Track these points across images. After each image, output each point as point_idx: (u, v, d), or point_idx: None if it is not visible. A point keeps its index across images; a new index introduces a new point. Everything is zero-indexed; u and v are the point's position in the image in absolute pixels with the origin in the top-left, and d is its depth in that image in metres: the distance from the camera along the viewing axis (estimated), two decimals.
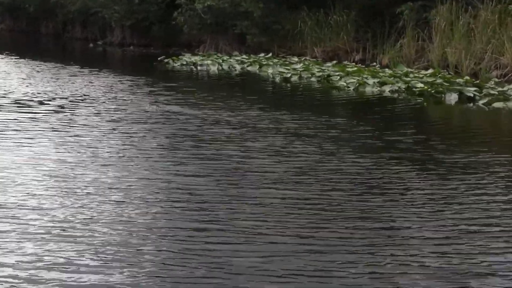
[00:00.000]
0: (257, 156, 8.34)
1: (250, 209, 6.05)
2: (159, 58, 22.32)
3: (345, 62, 21.43)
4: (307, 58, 22.79)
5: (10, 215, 5.67)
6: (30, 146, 8.54)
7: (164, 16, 29.61)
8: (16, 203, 6.00)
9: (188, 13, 25.69)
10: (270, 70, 18.88)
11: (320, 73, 17.99)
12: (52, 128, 9.95)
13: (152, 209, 5.97)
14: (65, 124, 10.37)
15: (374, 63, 20.90)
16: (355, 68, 18.43)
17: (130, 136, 9.48)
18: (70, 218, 5.62)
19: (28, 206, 5.93)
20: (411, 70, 18.07)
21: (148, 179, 7.04)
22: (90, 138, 9.20)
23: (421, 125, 11.97)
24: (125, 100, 13.28)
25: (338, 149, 8.83)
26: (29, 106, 12.24)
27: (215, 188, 6.76)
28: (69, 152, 8.23)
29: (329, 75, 17.80)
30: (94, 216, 5.69)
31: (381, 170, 7.69)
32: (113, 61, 25.23)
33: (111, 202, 6.15)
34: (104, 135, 9.51)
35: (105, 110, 11.88)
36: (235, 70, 20.47)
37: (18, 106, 12.23)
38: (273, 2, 24.62)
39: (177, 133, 9.79)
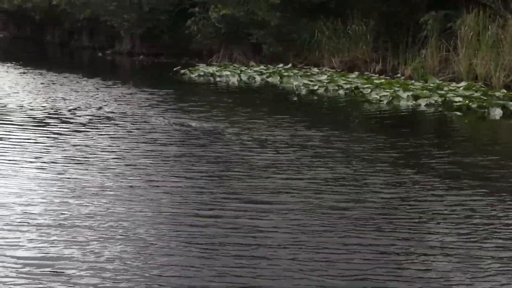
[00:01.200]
0: (331, 188, 7.47)
1: None
2: (175, 69, 21.43)
3: (367, 73, 20.66)
4: (327, 68, 21.97)
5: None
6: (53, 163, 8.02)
7: (174, 24, 28.78)
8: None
9: (202, 22, 24.83)
10: (295, 82, 17.99)
11: (348, 86, 17.14)
12: (75, 148, 9.10)
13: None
14: (89, 144, 9.48)
15: (399, 75, 20.05)
16: (383, 80, 17.60)
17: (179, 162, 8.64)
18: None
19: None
20: (444, 83, 17.18)
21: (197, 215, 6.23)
22: (121, 163, 8.38)
23: (483, 144, 11.06)
24: (153, 116, 12.38)
25: (416, 174, 8.00)
26: (50, 123, 11.34)
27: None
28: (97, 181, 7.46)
29: (356, 87, 16.97)
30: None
31: (475, 203, 6.84)
32: (127, 72, 24.32)
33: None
34: (145, 158, 8.67)
35: (137, 129, 11.00)
36: (255, 82, 19.60)
37: (38, 123, 11.36)
38: (289, 11, 23.78)
39: (222, 154, 8.94)
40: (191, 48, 29.45)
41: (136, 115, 12.28)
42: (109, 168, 7.99)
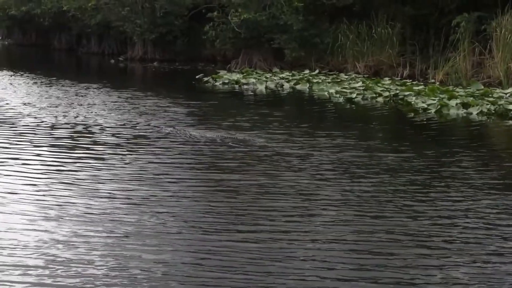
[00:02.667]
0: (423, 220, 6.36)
1: None
2: (197, 77, 20.29)
3: (395, 78, 19.57)
4: (355, 74, 20.84)
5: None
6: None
7: (188, 29, 27.67)
8: None
9: (220, 27, 23.69)
10: (331, 90, 16.83)
11: (387, 93, 16.01)
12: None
13: None
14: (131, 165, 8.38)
15: (433, 80, 18.93)
16: (422, 87, 16.49)
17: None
18: None
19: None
20: (487, 88, 16.06)
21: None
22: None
23: None
24: (191, 131, 11.23)
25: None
26: (87, 143, 10.21)
27: None
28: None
29: (396, 95, 15.86)
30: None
31: None
32: (146, 80, 23.07)
33: None
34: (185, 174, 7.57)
35: (174, 144, 9.87)
36: (283, 89, 18.46)
37: (68, 140, 10.22)
38: (312, 14, 22.64)
39: (268, 174, 7.83)
40: (205, 54, 28.42)
41: (176, 134, 11.09)
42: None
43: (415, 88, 16.29)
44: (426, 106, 14.10)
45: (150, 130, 11.20)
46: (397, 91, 16.10)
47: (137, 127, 11.48)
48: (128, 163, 8.67)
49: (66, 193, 7.09)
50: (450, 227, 6.11)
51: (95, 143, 10.05)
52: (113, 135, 10.73)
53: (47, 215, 6.29)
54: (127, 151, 9.46)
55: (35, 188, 7.31)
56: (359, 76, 20.24)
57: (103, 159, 8.86)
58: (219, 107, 14.92)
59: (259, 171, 8.24)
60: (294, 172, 8.19)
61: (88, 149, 9.55)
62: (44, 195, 7.00)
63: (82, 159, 8.82)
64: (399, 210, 6.64)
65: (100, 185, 7.42)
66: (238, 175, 8.06)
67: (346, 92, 16.44)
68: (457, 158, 9.19)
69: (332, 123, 13.07)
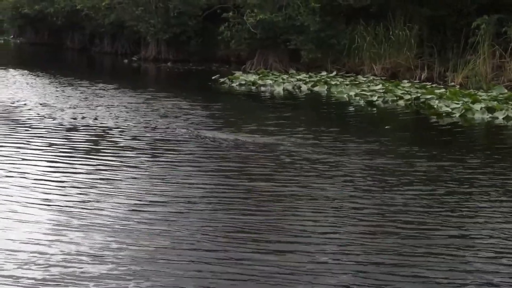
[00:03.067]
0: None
1: None
2: (213, 77, 19.98)
3: (413, 81, 19.23)
4: (373, 76, 20.52)
5: None
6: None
7: (202, 30, 27.38)
8: None
9: (236, 28, 23.38)
10: (351, 92, 16.51)
11: (408, 96, 15.68)
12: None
13: None
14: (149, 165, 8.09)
15: (453, 83, 18.58)
16: (443, 90, 16.18)
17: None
18: None
19: None
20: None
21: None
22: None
23: None
24: (214, 135, 10.94)
25: None
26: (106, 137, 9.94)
27: None
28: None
29: (417, 98, 15.53)
30: None
31: None
32: (162, 81, 22.76)
33: None
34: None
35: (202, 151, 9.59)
36: (301, 91, 18.15)
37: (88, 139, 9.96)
38: (329, 15, 22.31)
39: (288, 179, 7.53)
40: (219, 54, 28.13)
41: (199, 138, 10.81)
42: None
43: (436, 91, 15.94)
44: (450, 110, 13.76)
45: (173, 134, 10.92)
46: (418, 94, 15.75)
47: (159, 130, 11.21)
48: (151, 169, 8.41)
49: (91, 201, 6.83)
50: (496, 241, 5.80)
51: (117, 147, 9.78)
52: (134, 138, 10.46)
53: (71, 224, 6.02)
54: (150, 156, 9.20)
55: (58, 194, 7.03)
56: (377, 78, 19.91)
57: (125, 164, 8.59)
58: (238, 109, 14.64)
59: (287, 179, 7.95)
60: (324, 180, 7.88)
61: (109, 154, 9.29)
62: (70, 201, 6.74)
63: (103, 165, 8.54)
64: (439, 223, 6.32)
65: (125, 192, 7.14)
66: (266, 183, 7.78)
67: (366, 95, 16.11)
68: (494, 165, 8.85)
69: (356, 127, 12.75)
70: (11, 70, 22.19)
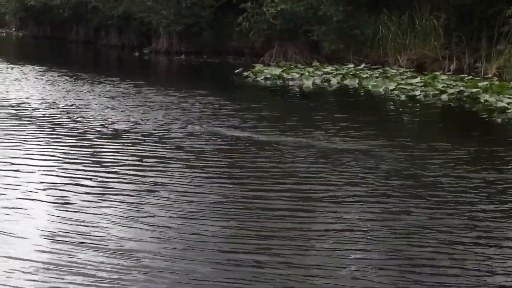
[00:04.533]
0: None
1: None
2: (236, 71, 18.79)
3: (448, 72, 18.14)
4: (399, 67, 19.42)
5: None
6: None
7: (215, 21, 26.17)
8: None
9: (254, 18, 22.19)
10: (390, 86, 15.38)
11: (451, 90, 14.58)
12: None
13: None
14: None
15: (489, 75, 17.46)
16: (486, 83, 15.07)
17: None
18: None
19: None
20: None
21: None
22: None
23: None
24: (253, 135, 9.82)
25: None
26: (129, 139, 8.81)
27: None
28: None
29: (460, 91, 14.44)
30: None
31: None
32: (181, 75, 21.45)
33: None
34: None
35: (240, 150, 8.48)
36: (331, 85, 17.01)
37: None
38: (351, 5, 21.15)
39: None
40: (232, 46, 26.97)
41: (242, 138, 9.69)
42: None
43: (480, 84, 14.84)
44: (505, 105, 12.65)
45: (215, 137, 9.76)
46: (461, 88, 14.65)
47: (197, 134, 10.02)
48: (184, 173, 7.42)
49: (120, 207, 6.20)
50: None
51: (151, 151, 8.65)
52: (169, 140, 9.31)
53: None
54: (184, 160, 8.09)
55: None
56: (406, 70, 18.79)
57: (160, 168, 7.55)
58: (272, 106, 13.41)
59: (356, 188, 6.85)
60: (402, 193, 6.78)
61: (139, 159, 8.19)
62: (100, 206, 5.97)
63: (132, 170, 7.56)
64: None
65: (156, 194, 6.51)
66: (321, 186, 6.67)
67: (406, 89, 14.99)
68: None
69: (411, 127, 11.68)
70: (24, 66, 20.90)
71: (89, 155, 8.36)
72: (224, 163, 8.15)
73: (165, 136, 9.74)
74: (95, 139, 9.45)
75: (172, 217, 5.94)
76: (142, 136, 9.68)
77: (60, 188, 6.78)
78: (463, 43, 20.05)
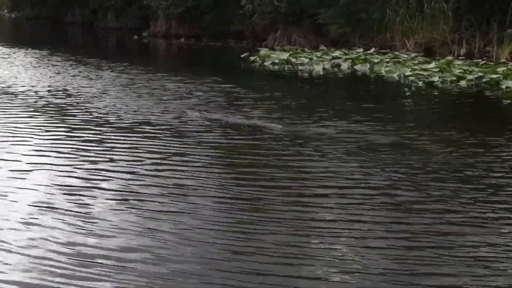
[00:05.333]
0: None
1: None
2: (242, 56, 18.09)
3: (451, 57, 17.49)
4: (407, 51, 18.79)
5: None
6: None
7: (215, 3, 25.37)
8: None
9: (259, 1, 21.44)
10: (406, 72, 14.73)
11: (470, 76, 13.97)
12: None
13: None
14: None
15: (503, 60, 16.84)
16: (504, 68, 14.47)
17: None
18: None
19: None
20: None
21: None
22: None
23: None
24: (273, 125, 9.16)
25: None
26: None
27: None
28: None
29: (478, 78, 13.85)
30: None
31: None
32: (185, 60, 20.67)
33: None
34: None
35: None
36: (341, 70, 16.35)
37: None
38: None
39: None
40: (232, 29, 26.20)
41: (264, 130, 9.04)
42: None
43: (498, 69, 14.25)
44: None
45: (239, 129, 9.11)
46: (480, 74, 14.04)
47: (220, 126, 9.37)
48: (209, 174, 6.68)
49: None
50: None
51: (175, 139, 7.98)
52: (188, 134, 8.65)
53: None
54: (207, 157, 7.43)
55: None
56: (417, 55, 18.15)
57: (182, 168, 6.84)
58: (288, 94, 12.59)
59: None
60: (468, 200, 6.17)
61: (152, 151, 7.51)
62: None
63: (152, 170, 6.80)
64: None
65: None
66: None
67: (422, 74, 14.35)
68: None
69: (436, 116, 10.92)
70: (22, 49, 20.08)
71: (104, 151, 7.66)
72: (255, 161, 7.47)
73: (184, 129, 9.04)
74: (109, 133, 8.75)
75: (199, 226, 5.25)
76: (159, 130, 8.98)
77: (75, 192, 6.08)
78: (473, 27, 19.41)
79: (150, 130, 8.84)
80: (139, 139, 8.29)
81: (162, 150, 7.72)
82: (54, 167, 6.90)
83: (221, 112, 10.21)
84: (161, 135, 8.53)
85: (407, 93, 13.15)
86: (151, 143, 8.07)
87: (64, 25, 32.57)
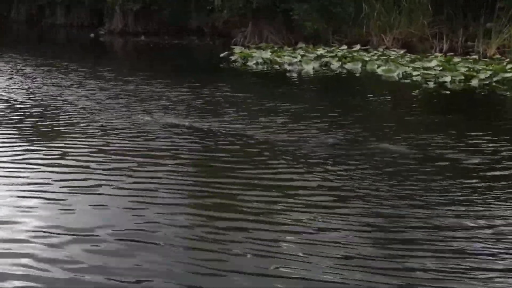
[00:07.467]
0: None
1: None
2: (222, 55, 16.21)
3: (434, 54, 16.22)
4: (385, 48, 17.41)
5: None
6: None
7: None
8: None
9: None
10: (414, 72, 13.20)
11: (482, 75, 12.58)
12: None
13: None
14: None
15: (488, 54, 15.60)
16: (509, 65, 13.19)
17: None
18: None
19: None
20: None
21: None
22: None
23: None
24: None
25: None
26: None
27: None
28: None
29: (490, 76, 12.51)
30: None
31: None
32: (154, 59, 17.99)
33: None
34: None
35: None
36: (331, 70, 14.72)
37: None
38: None
39: None
40: (191, 25, 24.35)
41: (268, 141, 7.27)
42: None
43: (508, 67, 12.95)
44: None
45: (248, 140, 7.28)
46: (489, 72, 12.69)
47: (222, 133, 7.51)
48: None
49: None
50: None
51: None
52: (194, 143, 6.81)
53: None
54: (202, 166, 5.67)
55: None
56: (402, 51, 16.81)
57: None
58: (286, 97, 10.69)
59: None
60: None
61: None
62: None
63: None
64: None
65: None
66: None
67: (430, 74, 12.87)
68: None
69: (460, 122, 9.34)
70: None
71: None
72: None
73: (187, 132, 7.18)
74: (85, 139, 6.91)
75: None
76: (125, 137, 7.21)
77: None
78: (450, 21, 18.19)
79: (115, 138, 7.10)
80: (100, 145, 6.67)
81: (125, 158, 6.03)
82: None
83: (211, 120, 8.34)
84: (127, 144, 6.83)
85: (425, 96, 11.58)
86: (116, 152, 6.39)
87: (6, 22, 29.66)
